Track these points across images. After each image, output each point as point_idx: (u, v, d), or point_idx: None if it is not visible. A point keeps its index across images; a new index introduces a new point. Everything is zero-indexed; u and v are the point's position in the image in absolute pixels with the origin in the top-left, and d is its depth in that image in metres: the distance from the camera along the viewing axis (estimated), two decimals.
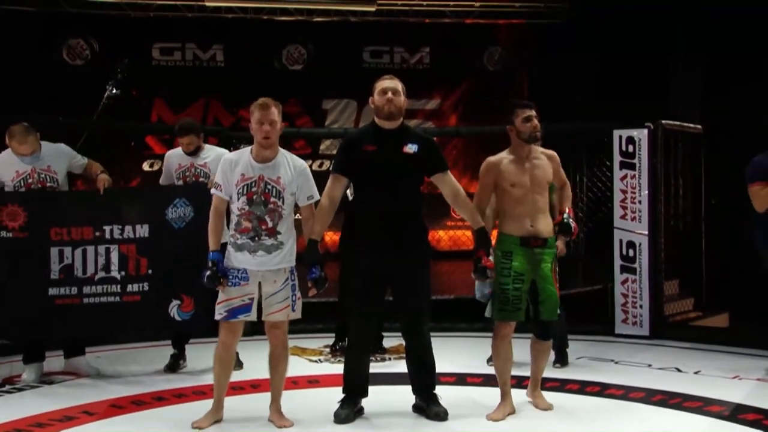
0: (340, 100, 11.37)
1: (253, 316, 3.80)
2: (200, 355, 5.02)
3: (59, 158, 4.82)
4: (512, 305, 3.96)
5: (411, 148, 3.93)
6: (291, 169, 3.82)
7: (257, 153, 3.81)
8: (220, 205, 3.85)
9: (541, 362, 4.14)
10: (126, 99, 9.76)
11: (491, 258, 3.92)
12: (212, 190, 3.90)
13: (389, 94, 3.90)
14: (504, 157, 4.03)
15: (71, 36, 10.67)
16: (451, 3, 10.71)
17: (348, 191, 4.26)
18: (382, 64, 11.50)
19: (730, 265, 6.90)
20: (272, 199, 3.76)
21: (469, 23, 11.07)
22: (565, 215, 4.05)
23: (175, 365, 5.02)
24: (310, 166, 11.85)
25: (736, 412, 4.06)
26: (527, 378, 4.23)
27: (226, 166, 3.82)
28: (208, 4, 10.13)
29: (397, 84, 3.96)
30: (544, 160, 4.02)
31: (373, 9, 10.47)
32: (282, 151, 3.87)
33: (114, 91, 5.73)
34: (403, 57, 11.67)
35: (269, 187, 3.77)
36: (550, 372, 4.24)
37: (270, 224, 3.76)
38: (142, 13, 10.27)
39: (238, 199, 3.78)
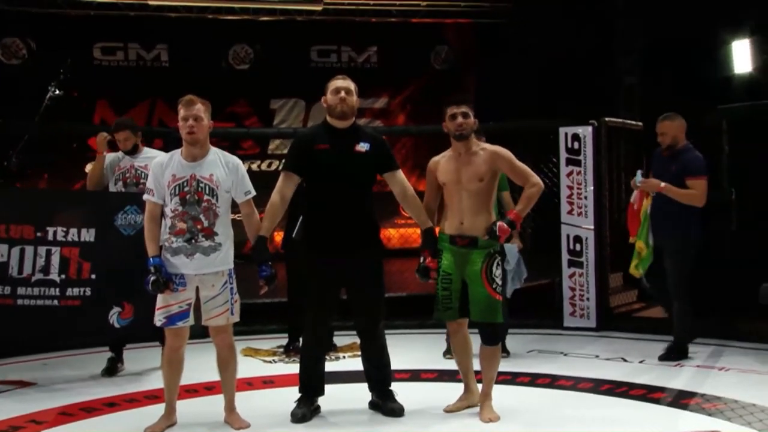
0: (288, 100, 11.32)
1: (191, 321, 3.78)
2: (137, 358, 4.98)
3: None
4: (442, 305, 3.96)
5: (363, 147, 3.96)
6: (223, 166, 3.80)
7: (186, 152, 3.78)
8: (153, 210, 3.79)
9: (489, 370, 3.96)
10: (67, 100, 9.55)
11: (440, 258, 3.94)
12: (144, 196, 3.83)
13: (342, 94, 3.93)
14: (444, 155, 4.04)
15: (6, 35, 10.37)
16: (398, 2, 10.76)
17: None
18: (329, 63, 11.50)
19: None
20: (206, 197, 3.73)
21: (415, 22, 11.14)
22: (500, 221, 3.83)
23: (113, 369, 4.96)
24: (259, 167, 11.75)
25: (678, 398, 4.21)
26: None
27: (156, 169, 3.78)
28: (150, 2, 9.98)
29: (350, 84, 3.98)
30: (482, 157, 3.89)
31: (319, 8, 10.46)
32: (213, 149, 3.85)
33: (57, 91, 5.60)
34: (350, 56, 11.69)
35: (202, 185, 3.74)
36: (502, 365, 4.29)
37: (206, 223, 3.72)
38: (82, 12, 10.03)
39: (171, 200, 3.73)
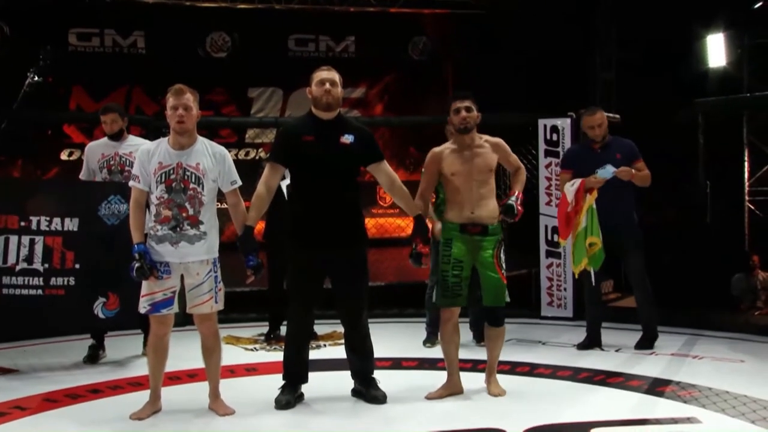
0: (266, 89, 11.32)
1: (175, 309, 3.80)
2: (118, 345, 5.00)
3: None
4: (452, 291, 4.08)
5: (348, 139, 3.98)
6: (210, 155, 3.82)
7: (174, 140, 3.79)
8: (139, 197, 3.79)
9: (495, 349, 4.21)
10: (42, 86, 9.45)
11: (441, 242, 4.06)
12: (130, 182, 3.83)
13: (327, 85, 3.95)
14: (447, 147, 4.16)
15: None
16: None
17: (283, 184, 4.26)
18: (307, 52, 11.51)
19: (653, 249, 7.29)
20: (192, 186, 3.74)
21: (394, 12, 11.16)
22: (513, 197, 4.08)
23: (95, 356, 4.97)
24: (236, 155, 11.74)
25: (654, 386, 4.31)
26: (483, 362, 4.33)
27: (143, 156, 3.79)
28: None
29: (334, 75, 4.00)
30: (487, 148, 4.10)
31: None
32: (200, 138, 3.86)
33: (36, 78, 5.56)
34: (328, 45, 11.70)
35: (188, 173, 3.75)
36: (483, 354, 4.38)
37: (191, 211, 3.74)
38: None
39: (157, 187, 3.74)
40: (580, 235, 5.03)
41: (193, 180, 3.76)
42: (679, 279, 6.08)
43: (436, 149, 4.19)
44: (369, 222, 11.40)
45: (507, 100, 9.23)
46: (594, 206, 5.01)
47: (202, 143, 3.85)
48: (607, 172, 5.06)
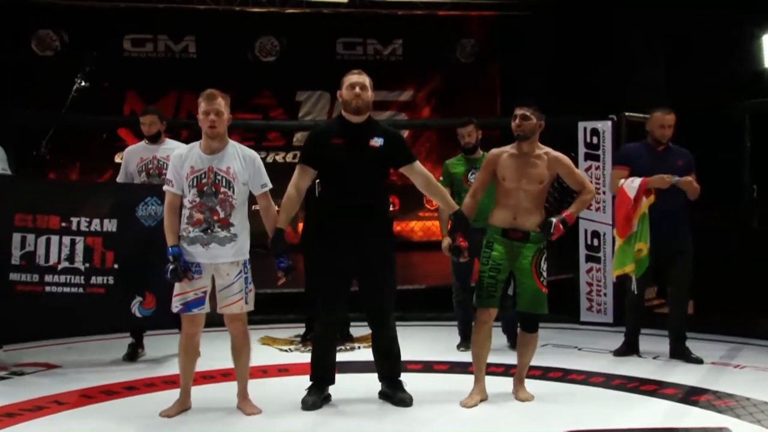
0: (314, 92, 11.41)
1: (206, 308, 3.88)
2: (158, 344, 5.11)
3: None
4: (486, 292, 4.08)
5: (377, 142, 4.01)
6: (241, 159, 3.88)
7: (205, 145, 3.87)
8: (173, 201, 3.88)
9: (525, 356, 4.20)
10: (98, 91, 9.75)
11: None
12: (164, 187, 3.93)
13: (357, 89, 3.98)
14: (506, 150, 4.18)
15: (40, 27, 10.60)
16: None
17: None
18: (355, 55, 11.56)
19: (696, 255, 7.12)
20: (222, 189, 3.81)
21: (441, 15, 11.15)
22: (559, 216, 4.05)
23: (133, 354, 5.09)
24: (284, 158, 11.92)
25: (689, 394, 4.22)
26: (515, 366, 4.31)
27: (176, 161, 3.88)
28: None
29: (365, 79, 4.03)
30: (544, 161, 4.07)
31: (345, 1, 10.51)
32: (231, 141, 3.93)
33: (83, 83, 5.76)
34: (376, 49, 11.74)
35: (219, 177, 3.82)
36: (514, 358, 4.34)
37: (222, 215, 3.81)
38: (112, 4, 10.20)
39: (189, 191, 3.82)
40: (629, 238, 4.88)
41: (224, 184, 3.83)
42: (724, 285, 5.91)
43: (495, 150, 4.22)
44: (415, 225, 11.51)
45: (553, 101, 9.16)
46: (647, 211, 4.87)
47: (233, 147, 3.92)
48: (675, 177, 4.87)
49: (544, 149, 4.14)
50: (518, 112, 4.10)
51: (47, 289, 4.68)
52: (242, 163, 3.88)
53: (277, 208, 4.02)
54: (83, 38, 10.30)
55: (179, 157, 3.90)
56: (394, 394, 4.09)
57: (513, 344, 5.18)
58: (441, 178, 5.35)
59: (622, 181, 4.94)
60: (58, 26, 10.63)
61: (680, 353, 5.05)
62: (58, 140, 8.56)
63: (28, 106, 7.71)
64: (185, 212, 3.87)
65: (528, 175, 4.06)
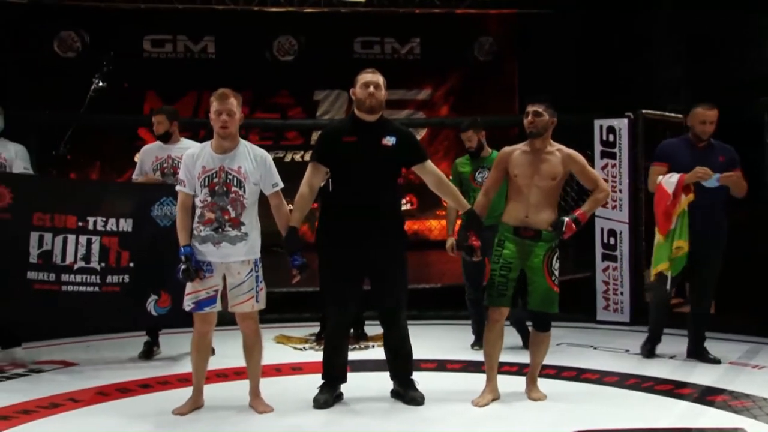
0: (332, 91, 11.47)
1: (218, 307, 3.90)
2: (173, 342, 5.14)
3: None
4: (497, 290, 4.07)
5: (389, 141, 4.01)
6: (252, 158, 3.90)
7: (217, 144, 3.89)
8: (185, 200, 3.91)
9: (538, 355, 4.20)
10: (118, 91, 9.82)
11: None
12: (177, 187, 3.97)
13: (371, 88, 3.98)
14: (518, 147, 4.16)
15: (62, 28, 10.73)
16: None
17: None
18: (372, 54, 11.58)
19: None
20: (233, 189, 3.83)
21: (459, 13, 11.11)
22: (573, 215, 4.02)
23: (149, 352, 5.14)
24: (302, 157, 11.94)
25: (704, 394, 4.17)
26: (528, 365, 4.29)
27: (188, 161, 3.90)
28: None
29: (378, 78, 4.03)
30: (557, 157, 4.06)
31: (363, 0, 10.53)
32: (242, 141, 3.95)
33: (100, 84, 5.82)
34: (393, 47, 11.75)
35: (230, 177, 3.84)
36: (527, 357, 4.32)
37: (233, 214, 3.83)
38: (132, 5, 10.29)
39: (201, 191, 3.85)
40: (668, 235, 4.79)
41: (235, 183, 3.85)
42: (744, 285, 5.83)
43: (507, 148, 4.21)
44: (434, 224, 11.49)
45: (571, 99, 9.10)
46: (686, 209, 4.76)
47: (244, 146, 3.94)
48: (713, 182, 4.74)
49: (556, 146, 4.13)
50: (530, 108, 4.09)
51: (64, 288, 4.73)
52: (253, 163, 3.90)
53: (290, 206, 4.03)
54: (104, 39, 10.40)
55: (191, 156, 3.92)
56: (405, 393, 4.09)
57: (525, 344, 5.16)
58: (451, 177, 5.34)
59: (660, 177, 4.84)
60: (80, 27, 10.76)
61: (698, 353, 4.99)
62: (78, 140, 8.66)
63: (51, 107, 7.80)
64: (197, 211, 3.90)
65: (541, 171, 4.05)
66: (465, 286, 5.46)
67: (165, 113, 5.10)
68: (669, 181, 4.79)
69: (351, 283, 4.05)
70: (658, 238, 4.89)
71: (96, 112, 7.97)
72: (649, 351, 5.11)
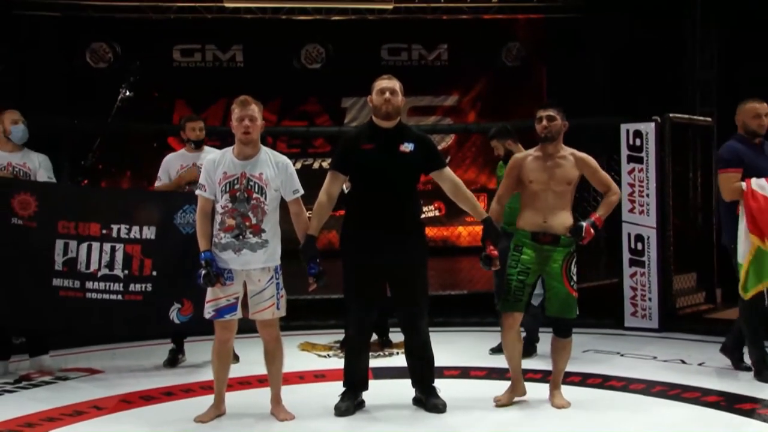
0: (359, 98, 11.48)
1: (238, 314, 3.91)
2: (198, 350, 5.17)
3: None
4: (513, 296, 4.04)
5: (407, 147, 4.00)
6: (273, 165, 3.91)
7: (239, 151, 3.91)
8: (205, 206, 3.93)
9: (560, 362, 4.17)
10: (147, 100, 9.99)
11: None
12: (197, 191, 3.98)
13: (387, 95, 3.97)
14: (530, 153, 4.16)
15: (94, 40, 10.92)
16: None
17: (344, 185, 4.34)
18: (400, 61, 11.61)
19: None
20: (255, 195, 3.84)
21: (486, 19, 11.08)
22: (590, 219, 4.01)
23: (174, 360, 5.17)
24: (330, 165, 11.89)
25: (732, 402, 4.08)
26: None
27: (209, 166, 3.92)
28: (227, 5, 10.28)
29: (395, 84, 4.02)
30: (570, 161, 4.06)
31: (390, 7, 10.54)
32: (264, 148, 3.96)
33: (127, 93, 5.91)
34: (421, 54, 11.76)
35: (252, 183, 3.85)
36: (550, 364, 4.27)
37: (254, 221, 3.84)
38: (162, 15, 10.43)
39: (222, 197, 3.86)
40: (762, 252, 4.36)
41: (257, 190, 3.87)
42: None
43: (519, 155, 4.23)
44: (462, 230, 11.44)
45: (600, 104, 9.01)
46: None
47: (266, 153, 3.96)
48: None
49: (568, 150, 4.12)
50: (543, 113, 4.08)
51: (88, 295, 4.79)
52: (275, 170, 3.91)
53: (308, 214, 4.04)
54: (135, 50, 10.58)
55: (212, 162, 3.94)
56: (427, 400, 4.06)
57: (528, 351, 5.05)
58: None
59: (743, 183, 4.47)
60: (111, 39, 10.94)
61: (734, 359, 4.83)
62: (108, 149, 8.81)
63: (83, 117, 7.94)
64: (217, 218, 3.91)
65: (555, 176, 4.04)
66: (495, 294, 5.36)
67: (203, 120, 5.20)
68: (760, 185, 4.41)
69: (371, 289, 4.03)
70: (754, 249, 4.40)
71: (125, 121, 8.14)
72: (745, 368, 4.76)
